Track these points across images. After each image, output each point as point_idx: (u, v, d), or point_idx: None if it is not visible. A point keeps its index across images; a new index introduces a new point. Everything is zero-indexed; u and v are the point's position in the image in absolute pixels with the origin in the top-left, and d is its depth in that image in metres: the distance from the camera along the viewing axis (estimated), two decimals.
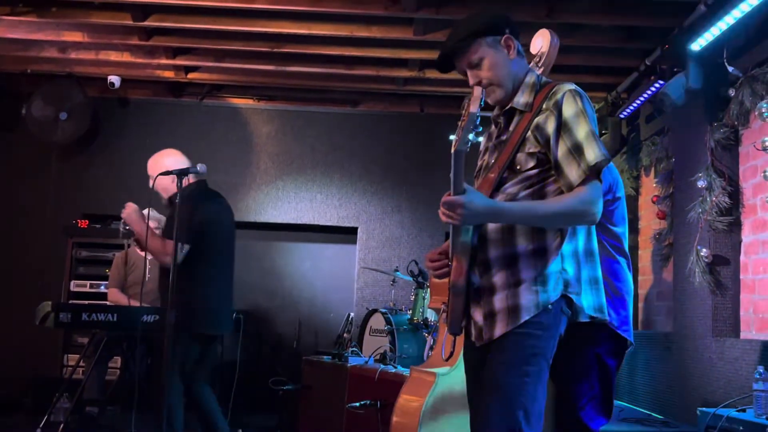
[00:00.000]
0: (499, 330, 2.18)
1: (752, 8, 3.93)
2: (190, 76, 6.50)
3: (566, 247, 2.22)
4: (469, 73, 2.34)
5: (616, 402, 4.86)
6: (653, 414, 5.15)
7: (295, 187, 7.07)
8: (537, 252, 2.20)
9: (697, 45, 4.40)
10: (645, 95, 5.21)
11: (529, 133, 2.24)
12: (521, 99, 2.31)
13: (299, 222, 7.05)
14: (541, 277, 2.18)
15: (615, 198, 3.14)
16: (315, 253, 7.29)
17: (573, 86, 2.25)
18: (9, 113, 6.71)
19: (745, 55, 4.30)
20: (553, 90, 2.25)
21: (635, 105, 5.47)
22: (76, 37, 5.67)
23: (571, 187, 2.17)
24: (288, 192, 7.07)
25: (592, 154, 2.15)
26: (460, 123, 2.04)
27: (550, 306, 2.16)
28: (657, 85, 4.96)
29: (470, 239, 2.22)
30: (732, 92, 4.36)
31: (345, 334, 6.44)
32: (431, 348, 4.30)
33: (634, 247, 6.11)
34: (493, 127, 2.45)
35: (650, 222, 5.91)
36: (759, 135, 4.27)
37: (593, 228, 2.32)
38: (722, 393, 4.28)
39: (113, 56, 6.08)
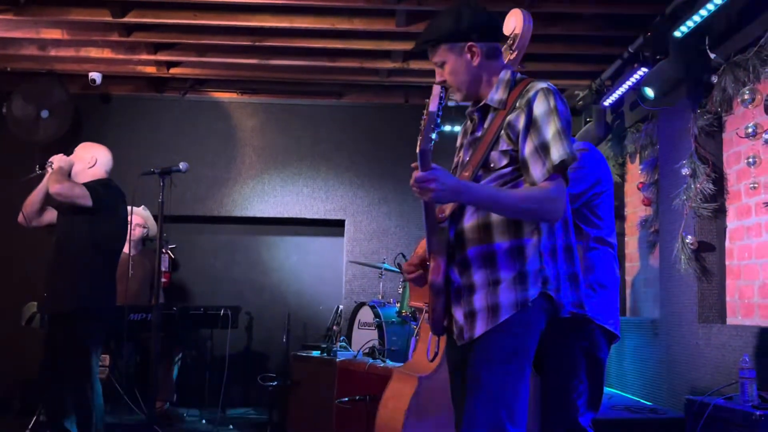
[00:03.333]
0: (480, 329, 2.18)
1: None
2: (172, 71, 6.44)
3: (545, 244, 2.22)
4: (436, 70, 2.38)
5: (605, 389, 4.88)
6: (641, 400, 5.19)
7: (281, 180, 7.04)
8: (515, 249, 2.20)
9: (679, 32, 4.40)
10: (629, 82, 5.22)
11: (502, 131, 2.24)
12: (495, 96, 2.31)
13: (286, 216, 7.01)
14: (521, 276, 2.18)
15: (602, 191, 3.14)
16: (302, 246, 7.26)
17: (546, 84, 2.25)
18: None
19: (727, 42, 4.30)
20: (527, 88, 2.26)
21: (619, 92, 5.47)
22: (55, 34, 5.61)
23: (534, 185, 2.18)
24: (274, 186, 7.03)
25: (557, 152, 2.15)
26: (422, 122, 2.03)
27: (529, 304, 2.16)
28: (641, 72, 4.96)
29: (446, 237, 2.22)
30: (715, 79, 4.37)
31: (334, 327, 6.43)
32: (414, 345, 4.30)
33: (621, 234, 6.12)
34: (468, 123, 2.45)
35: (636, 209, 5.93)
36: (742, 121, 4.29)
37: (570, 224, 2.32)
38: (709, 379, 4.31)
39: (94, 53, 6.02)
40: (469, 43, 2.30)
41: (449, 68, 2.33)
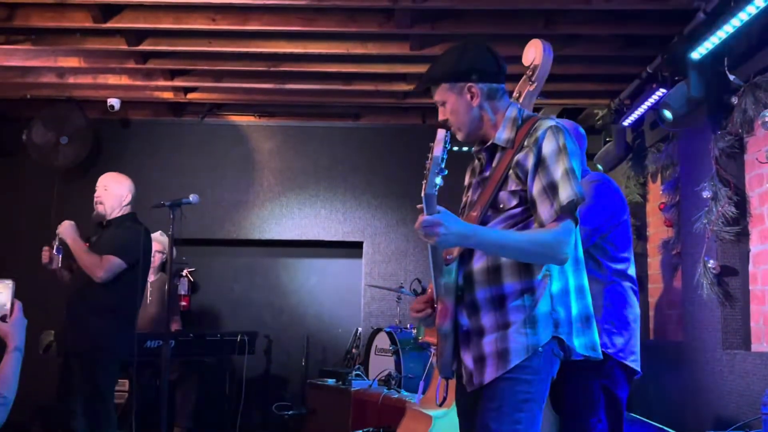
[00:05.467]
0: (489, 375, 2.12)
1: (751, 17, 3.85)
2: (190, 96, 6.47)
3: (555, 286, 2.16)
4: (439, 109, 2.35)
5: (629, 414, 4.76)
6: (664, 428, 5.06)
7: (299, 202, 7.03)
8: (525, 292, 2.14)
9: (698, 53, 4.32)
10: (648, 103, 5.13)
11: (511, 171, 2.19)
12: (503, 135, 2.27)
13: (304, 238, 6.99)
14: (531, 319, 2.12)
15: (619, 222, 3.07)
16: (321, 268, 7.23)
17: (554, 122, 2.20)
18: (10, 139, 6.69)
19: (746, 63, 4.22)
20: (535, 126, 2.21)
21: (638, 113, 5.39)
22: (72, 62, 5.66)
23: (543, 226, 2.13)
24: (292, 208, 7.02)
25: (565, 193, 2.11)
26: (426, 165, 2.01)
27: (540, 349, 2.10)
28: (659, 93, 4.88)
29: (453, 280, 2.18)
30: (735, 100, 4.28)
31: (354, 350, 6.39)
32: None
33: (643, 255, 6.01)
34: (476, 162, 2.40)
35: (658, 229, 5.82)
36: (764, 143, 4.19)
37: (582, 263, 2.25)
38: (734, 408, 4.20)
39: (111, 80, 6.06)
40: (469, 84, 2.26)
41: (450, 108, 2.30)
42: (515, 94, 2.74)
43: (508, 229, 2.18)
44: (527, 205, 2.18)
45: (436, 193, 2.03)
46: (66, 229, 4.16)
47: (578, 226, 2.22)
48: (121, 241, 4.13)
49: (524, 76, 2.67)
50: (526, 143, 2.19)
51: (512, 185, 2.19)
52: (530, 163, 2.16)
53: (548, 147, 2.15)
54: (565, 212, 2.11)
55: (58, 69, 5.89)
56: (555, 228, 2.10)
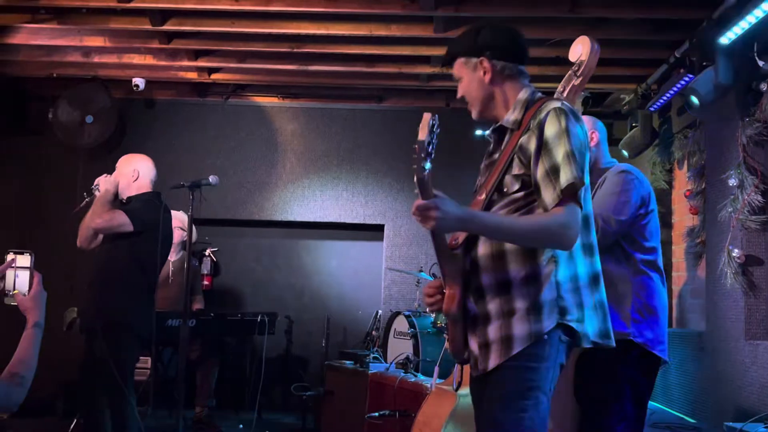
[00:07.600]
0: (493, 362, 2.11)
1: None
2: (214, 76, 6.48)
3: (562, 273, 2.12)
4: (459, 85, 2.36)
5: (649, 404, 4.73)
6: (685, 417, 5.03)
7: (321, 184, 7.03)
8: (530, 278, 2.11)
9: (726, 39, 4.23)
10: (675, 88, 5.04)
11: (515, 154, 2.17)
12: (511, 117, 2.25)
13: (326, 220, 7.01)
14: (535, 306, 2.09)
15: (648, 211, 3.06)
16: (342, 251, 7.24)
17: (559, 104, 2.16)
18: (36, 117, 6.76)
19: None
20: (541, 107, 2.17)
21: (665, 98, 5.30)
22: (97, 42, 5.70)
23: (547, 210, 2.10)
24: (314, 190, 7.03)
25: (565, 176, 2.07)
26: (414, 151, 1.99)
27: (545, 336, 2.08)
28: (687, 78, 4.80)
29: (460, 265, 2.16)
30: (764, 87, 4.19)
31: (373, 332, 6.40)
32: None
33: (668, 242, 5.94)
34: (492, 144, 2.38)
35: (683, 217, 5.74)
36: None
37: (595, 250, 2.22)
38: (756, 399, 4.15)
39: (136, 59, 6.09)
40: (482, 58, 2.25)
41: (464, 84, 2.32)
42: (560, 88, 2.74)
43: (511, 214, 2.16)
44: (529, 189, 2.15)
45: (427, 177, 2.00)
46: (105, 179, 4.16)
47: (584, 213, 2.18)
48: (131, 207, 4.11)
49: (570, 71, 2.72)
50: (531, 125, 2.16)
51: (516, 169, 2.16)
52: (533, 146, 2.13)
53: (550, 129, 2.12)
54: (567, 196, 2.07)
55: (84, 48, 5.93)
56: (557, 213, 2.07)
